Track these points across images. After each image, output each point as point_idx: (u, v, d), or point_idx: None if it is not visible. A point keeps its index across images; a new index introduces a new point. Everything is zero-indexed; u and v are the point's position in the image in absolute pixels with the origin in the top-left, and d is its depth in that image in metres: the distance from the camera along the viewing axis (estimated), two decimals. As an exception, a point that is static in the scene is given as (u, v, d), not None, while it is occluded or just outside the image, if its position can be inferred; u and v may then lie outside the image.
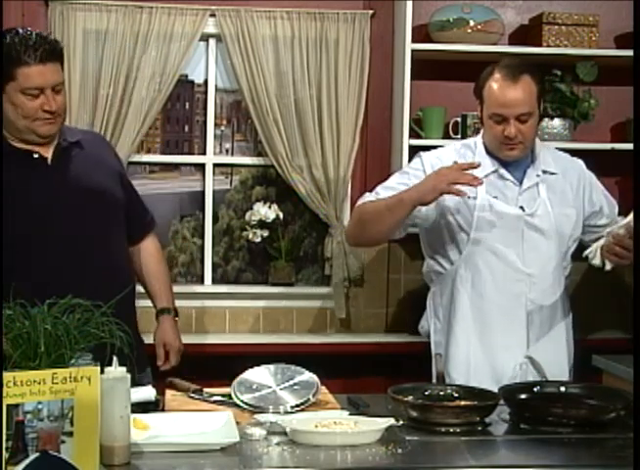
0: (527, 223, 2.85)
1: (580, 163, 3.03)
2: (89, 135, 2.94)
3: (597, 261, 2.74)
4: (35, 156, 2.68)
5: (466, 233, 2.85)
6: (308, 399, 2.37)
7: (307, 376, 2.45)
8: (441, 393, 2.43)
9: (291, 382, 2.43)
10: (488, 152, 2.89)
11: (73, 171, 2.71)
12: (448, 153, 2.94)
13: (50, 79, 2.57)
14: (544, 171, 2.91)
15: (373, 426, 2.13)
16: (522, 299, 2.86)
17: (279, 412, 2.29)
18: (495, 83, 2.78)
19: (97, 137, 3.06)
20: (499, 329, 2.86)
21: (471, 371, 2.86)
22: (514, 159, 2.85)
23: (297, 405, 2.34)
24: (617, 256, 2.69)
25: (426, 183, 2.72)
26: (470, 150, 2.93)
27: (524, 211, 2.85)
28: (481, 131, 2.96)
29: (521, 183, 2.88)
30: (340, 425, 2.12)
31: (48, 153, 2.70)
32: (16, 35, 2.56)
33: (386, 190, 2.90)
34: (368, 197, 2.94)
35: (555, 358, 2.92)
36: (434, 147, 3.18)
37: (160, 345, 2.91)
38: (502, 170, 2.87)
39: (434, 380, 2.87)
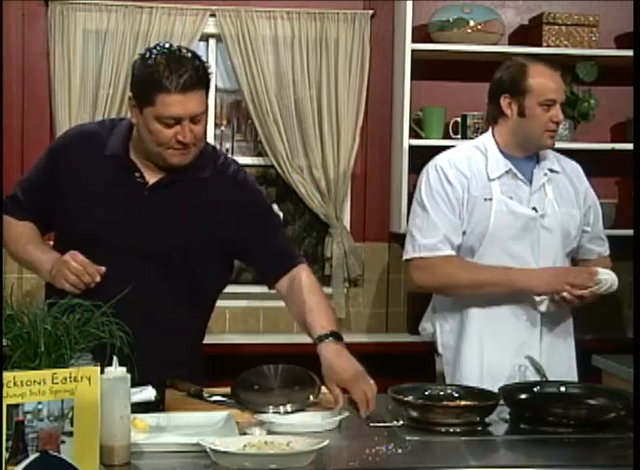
0: (541, 224, 2.86)
1: (579, 166, 3.06)
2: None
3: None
4: (137, 174, 2.49)
5: (481, 235, 2.85)
6: (308, 399, 2.37)
7: (308, 376, 2.45)
8: (441, 393, 2.43)
9: (291, 382, 2.42)
10: (501, 151, 2.90)
11: (163, 210, 2.49)
12: (459, 156, 2.92)
13: (189, 110, 2.34)
14: (550, 170, 2.93)
15: (306, 447, 1.97)
16: (535, 298, 2.87)
17: (279, 412, 2.29)
18: (542, 72, 2.87)
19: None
20: (513, 330, 2.86)
21: (484, 372, 2.86)
22: (550, 148, 2.92)
23: (298, 406, 2.33)
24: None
25: (541, 279, 2.80)
26: (479, 151, 2.91)
27: (536, 211, 2.86)
28: (489, 131, 2.95)
29: (530, 183, 2.89)
30: (271, 445, 1.97)
31: (154, 178, 2.50)
32: (161, 55, 2.36)
33: (432, 231, 2.86)
34: (425, 249, 2.86)
35: (565, 357, 2.93)
36: (435, 147, 3.17)
37: (331, 381, 2.29)
38: (515, 170, 2.88)
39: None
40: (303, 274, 2.59)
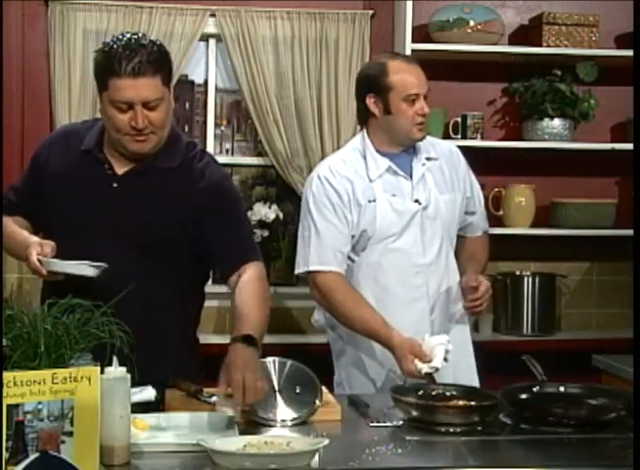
0: (424, 216, 2.87)
1: (456, 148, 3.05)
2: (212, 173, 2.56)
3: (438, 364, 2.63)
4: (106, 166, 2.51)
5: (369, 236, 2.84)
6: (314, 404, 2.33)
7: (310, 379, 2.41)
8: (441, 392, 2.43)
9: (293, 384, 2.39)
10: (378, 150, 2.90)
11: (131, 199, 2.50)
12: (340, 162, 2.91)
13: (141, 95, 2.35)
14: (427, 159, 2.93)
15: (306, 447, 1.97)
16: (423, 289, 2.86)
17: (275, 426, 2.25)
18: (402, 68, 2.89)
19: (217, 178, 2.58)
20: (405, 322, 2.81)
21: (383, 361, 2.84)
22: (422, 138, 2.90)
23: (295, 418, 2.30)
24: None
25: (402, 362, 2.65)
26: (359, 153, 2.91)
27: (420, 204, 2.87)
28: (363, 132, 2.94)
29: (411, 176, 2.89)
30: (271, 445, 1.98)
31: (123, 170, 2.51)
32: (118, 42, 2.39)
33: (322, 248, 2.83)
34: (313, 263, 2.83)
35: (460, 344, 2.89)
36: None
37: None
38: (394, 167, 2.88)
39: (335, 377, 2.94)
40: (250, 272, 2.52)
